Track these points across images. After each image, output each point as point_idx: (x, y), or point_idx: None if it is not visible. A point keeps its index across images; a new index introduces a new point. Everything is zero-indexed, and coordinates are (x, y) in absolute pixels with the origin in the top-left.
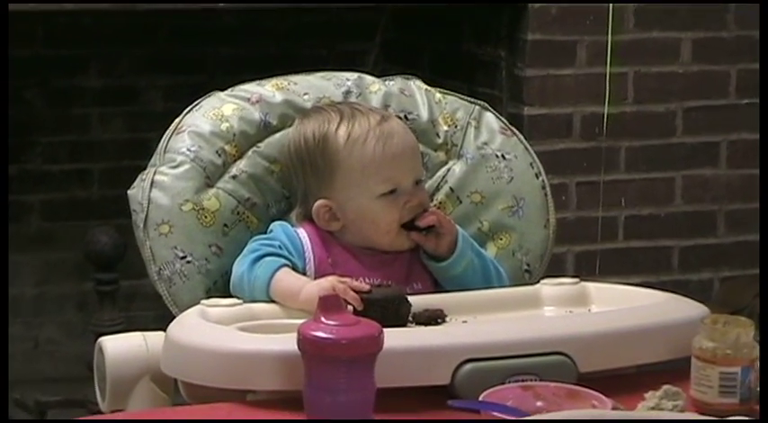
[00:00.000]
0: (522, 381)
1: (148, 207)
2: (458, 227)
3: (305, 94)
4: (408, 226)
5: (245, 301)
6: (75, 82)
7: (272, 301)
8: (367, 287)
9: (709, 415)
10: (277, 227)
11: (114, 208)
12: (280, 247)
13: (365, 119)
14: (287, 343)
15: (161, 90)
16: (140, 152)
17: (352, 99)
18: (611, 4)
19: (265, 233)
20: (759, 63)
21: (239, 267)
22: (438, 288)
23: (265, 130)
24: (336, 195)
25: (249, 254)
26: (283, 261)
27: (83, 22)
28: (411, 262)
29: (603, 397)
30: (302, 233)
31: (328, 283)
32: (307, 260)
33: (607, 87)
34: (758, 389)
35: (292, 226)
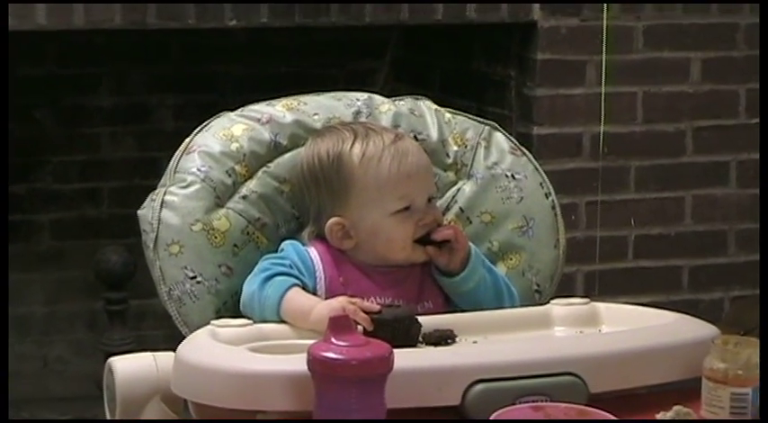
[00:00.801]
0: (533, 401)
1: (158, 227)
2: (470, 243)
3: (315, 114)
4: (423, 240)
5: (255, 322)
6: (85, 101)
7: (283, 321)
8: (377, 308)
9: None
10: (288, 246)
11: (124, 227)
12: (290, 267)
13: (379, 138)
14: (297, 364)
15: (171, 109)
16: (151, 171)
17: (362, 119)
18: (604, 23)
19: (276, 252)
20: (759, 61)
21: (250, 286)
22: (450, 306)
23: (275, 150)
24: (350, 213)
25: (260, 273)
26: (294, 281)
27: (94, 41)
28: (422, 280)
29: (614, 418)
30: (313, 252)
31: (338, 303)
32: (318, 279)
33: (602, 106)
34: None
35: (303, 245)
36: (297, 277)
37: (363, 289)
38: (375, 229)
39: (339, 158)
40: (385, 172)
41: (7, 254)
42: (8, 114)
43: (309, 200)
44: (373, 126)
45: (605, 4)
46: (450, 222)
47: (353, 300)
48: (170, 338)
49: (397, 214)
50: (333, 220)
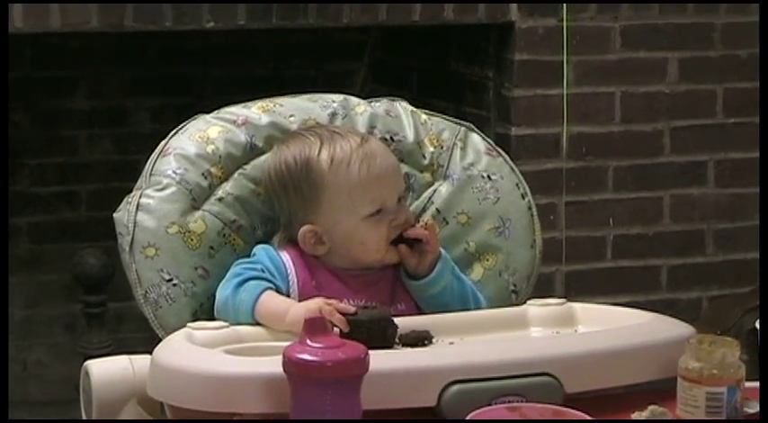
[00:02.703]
0: (509, 402)
1: (134, 230)
2: (441, 249)
3: (291, 115)
4: (396, 239)
5: (231, 324)
6: (63, 104)
7: (258, 324)
8: (353, 309)
9: None
10: (260, 250)
11: (102, 230)
12: (263, 271)
13: (346, 141)
14: (273, 366)
15: (149, 111)
16: (128, 174)
17: (338, 121)
18: (564, 23)
19: (249, 256)
20: (759, 63)
21: (223, 292)
22: (421, 309)
23: (251, 152)
24: (323, 219)
25: (232, 278)
26: (267, 284)
27: (70, 44)
28: (395, 282)
29: (590, 418)
30: (285, 256)
31: (315, 304)
32: (291, 283)
33: (565, 107)
34: (745, 409)
35: (275, 249)
36: (270, 281)
37: (336, 292)
38: (349, 233)
39: (307, 164)
40: (355, 176)
41: (7, 253)
42: (8, 115)
43: (279, 207)
44: (338, 129)
45: (564, 5)
46: (426, 222)
47: (330, 301)
48: (149, 341)
49: (369, 218)
50: (305, 227)
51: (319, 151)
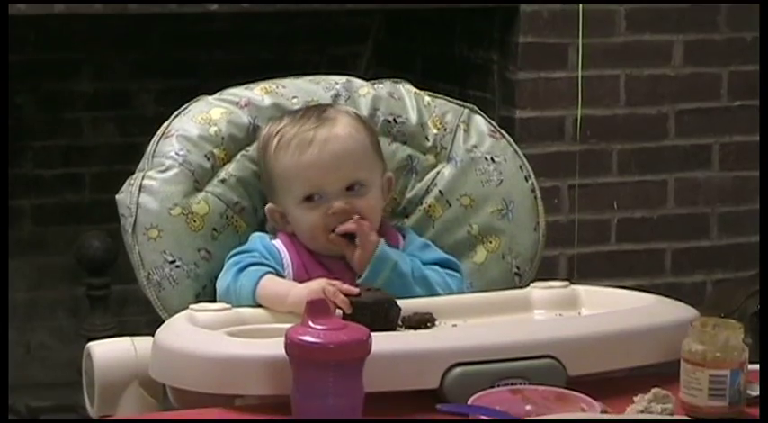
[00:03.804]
0: (512, 384)
1: (137, 212)
2: (382, 246)
3: (293, 97)
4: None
5: (233, 306)
6: (66, 86)
7: (260, 306)
8: (357, 290)
9: (699, 418)
10: (255, 239)
11: (106, 212)
12: (260, 257)
13: (298, 125)
14: (275, 348)
15: (153, 94)
16: (132, 156)
17: (341, 102)
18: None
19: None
20: (759, 63)
21: (224, 281)
22: None
23: (254, 133)
24: (278, 200)
25: (232, 267)
26: (267, 269)
27: (74, 27)
28: None
29: (592, 400)
30: (278, 243)
31: (318, 285)
32: (285, 267)
33: (579, 91)
34: (748, 392)
35: (270, 237)
36: (269, 266)
37: (322, 277)
38: (291, 216)
39: (266, 146)
40: (288, 161)
41: (7, 250)
42: (8, 115)
43: None
44: (311, 112)
45: None
46: (429, 206)
47: (333, 282)
48: (152, 323)
49: (302, 203)
50: (268, 206)
51: (276, 133)
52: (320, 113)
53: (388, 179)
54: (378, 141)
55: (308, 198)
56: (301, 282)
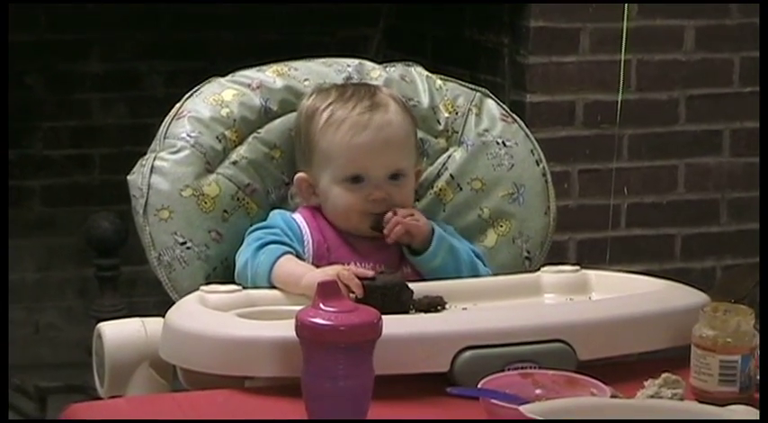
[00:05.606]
0: (522, 368)
1: (148, 192)
2: (431, 224)
3: (305, 79)
4: (376, 228)
5: (244, 288)
6: (76, 67)
7: (272, 288)
8: (371, 273)
9: (709, 403)
10: (276, 215)
11: (116, 193)
12: (281, 234)
13: (351, 105)
14: (285, 329)
15: (162, 75)
16: (142, 137)
17: None
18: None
19: (265, 220)
20: (759, 55)
21: (243, 256)
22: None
23: (266, 115)
24: (312, 172)
25: (253, 242)
26: (287, 249)
27: (85, 7)
28: (402, 250)
29: (602, 385)
30: (299, 219)
31: (333, 270)
32: (305, 243)
33: (622, 75)
34: (758, 377)
35: (290, 212)
36: (289, 245)
37: (344, 256)
38: (326, 192)
39: (311, 118)
40: (338, 140)
41: (7, 248)
42: (8, 114)
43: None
44: (361, 92)
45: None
46: (440, 189)
47: (348, 267)
48: (161, 305)
49: (343, 182)
50: (299, 175)
51: (325, 108)
52: (371, 96)
53: (418, 172)
54: (416, 131)
55: (353, 179)
56: (320, 259)
